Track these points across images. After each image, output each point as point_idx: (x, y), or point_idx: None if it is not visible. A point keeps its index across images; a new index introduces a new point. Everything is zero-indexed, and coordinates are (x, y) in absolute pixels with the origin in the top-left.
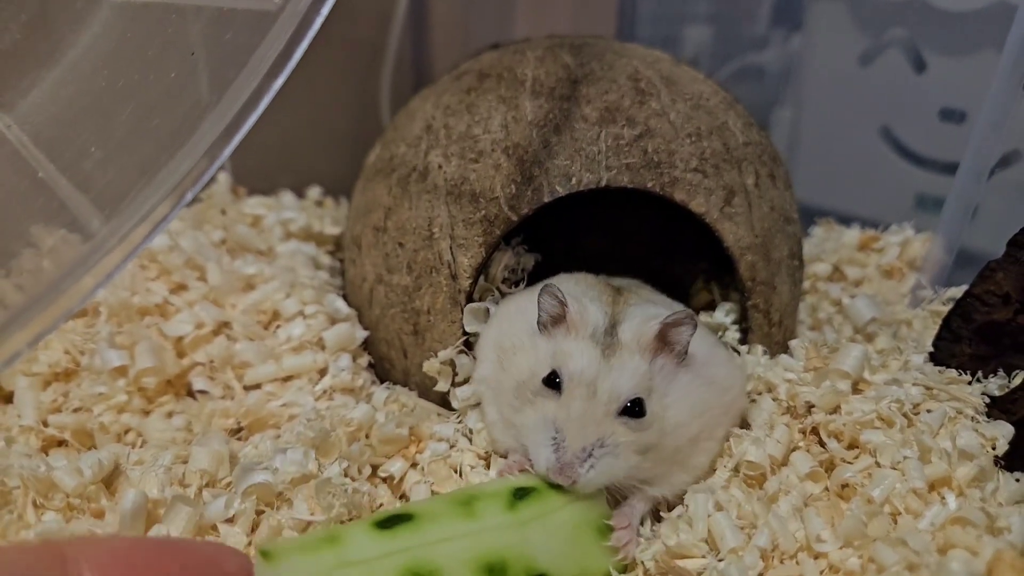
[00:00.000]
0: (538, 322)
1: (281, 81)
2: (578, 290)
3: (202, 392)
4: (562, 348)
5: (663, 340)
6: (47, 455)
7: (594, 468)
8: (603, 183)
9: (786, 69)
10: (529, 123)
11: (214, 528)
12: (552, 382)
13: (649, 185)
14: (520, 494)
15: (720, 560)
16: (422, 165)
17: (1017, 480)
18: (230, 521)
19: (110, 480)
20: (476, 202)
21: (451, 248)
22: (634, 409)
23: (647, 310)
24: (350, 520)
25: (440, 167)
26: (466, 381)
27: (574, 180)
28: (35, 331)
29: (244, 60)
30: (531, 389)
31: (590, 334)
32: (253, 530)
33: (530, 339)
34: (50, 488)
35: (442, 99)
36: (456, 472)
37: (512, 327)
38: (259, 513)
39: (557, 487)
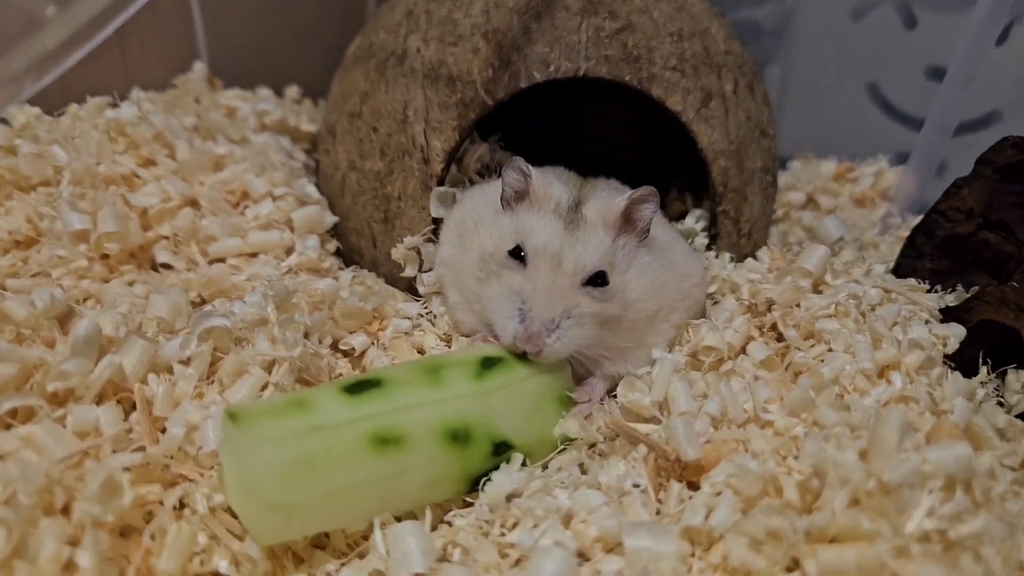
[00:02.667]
0: (502, 197)
1: None
2: (546, 175)
3: (166, 266)
4: (525, 222)
5: (627, 218)
6: None
7: (560, 340)
8: (581, 72)
9: (780, 26)
10: (511, 9)
11: (169, 370)
12: (517, 254)
13: (627, 79)
14: (487, 363)
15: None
16: (400, 49)
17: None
18: (185, 363)
19: (64, 321)
20: (452, 85)
21: (425, 132)
22: (597, 280)
23: (612, 193)
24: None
25: (419, 51)
26: (431, 269)
27: (552, 67)
28: None
29: None
30: (496, 261)
31: (553, 208)
32: (211, 376)
33: (493, 216)
34: (1, 319)
35: None
36: (418, 352)
37: (475, 207)
38: (216, 361)
39: (523, 358)
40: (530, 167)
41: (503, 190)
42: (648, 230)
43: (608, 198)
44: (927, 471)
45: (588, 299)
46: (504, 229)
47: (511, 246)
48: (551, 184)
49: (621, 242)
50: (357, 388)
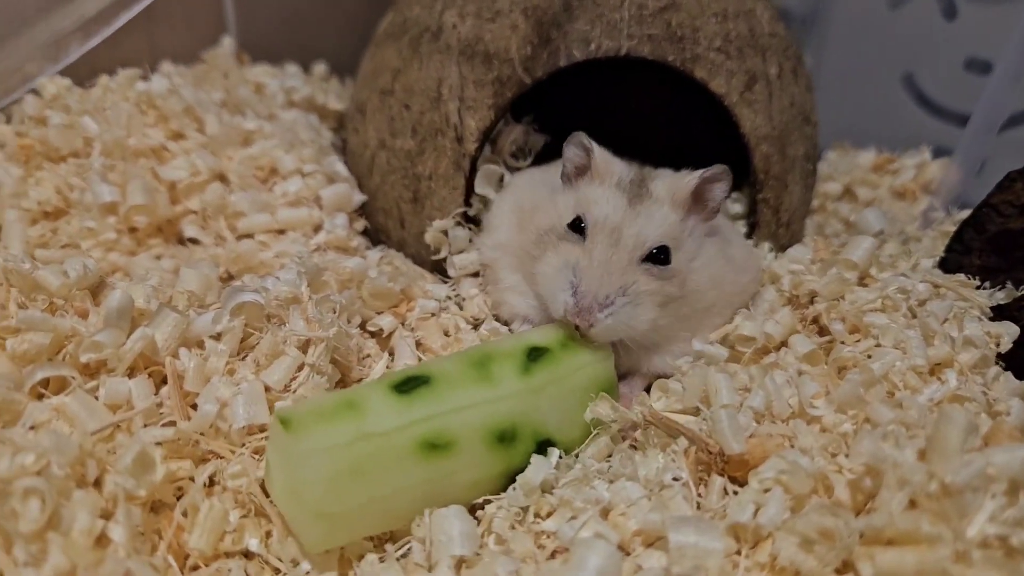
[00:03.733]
0: (562, 173)
1: None
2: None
3: (193, 241)
4: (586, 195)
5: (698, 197)
6: None
7: (613, 316)
8: (623, 52)
9: (812, 13)
10: None
11: (200, 345)
12: (577, 227)
13: (670, 59)
14: (534, 355)
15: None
16: (436, 25)
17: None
18: (216, 337)
19: (96, 292)
20: (489, 63)
21: (459, 110)
22: (659, 256)
23: (677, 173)
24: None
25: (454, 26)
26: (461, 252)
27: (593, 46)
28: None
29: None
30: (556, 234)
31: (615, 183)
32: (241, 351)
33: (550, 197)
34: (34, 288)
35: None
36: (445, 334)
37: (532, 191)
38: (247, 337)
39: (570, 345)
40: (592, 141)
41: (564, 165)
42: (717, 211)
43: (677, 176)
44: (991, 474)
45: (647, 276)
46: (562, 205)
47: (571, 218)
48: (612, 159)
49: (690, 223)
50: (406, 386)
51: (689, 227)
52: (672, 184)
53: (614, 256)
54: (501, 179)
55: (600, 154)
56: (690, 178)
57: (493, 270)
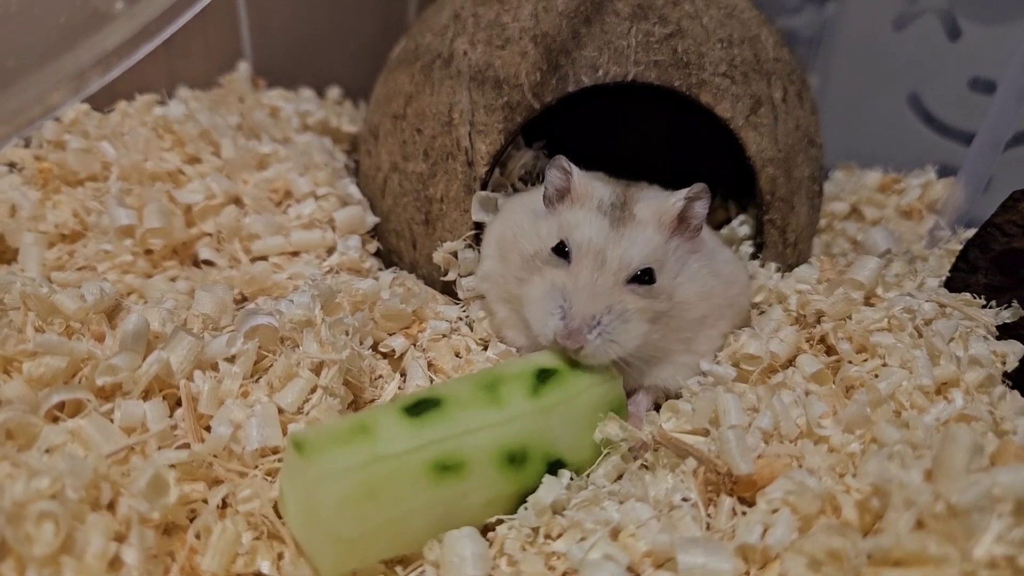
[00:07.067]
0: (544, 196)
1: None
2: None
3: (208, 263)
4: (568, 219)
5: (682, 218)
6: None
7: (602, 335)
8: (630, 77)
9: (817, 35)
10: (560, 13)
11: (214, 367)
12: (561, 251)
13: (676, 84)
14: (543, 376)
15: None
16: (447, 52)
17: None
18: (231, 360)
19: (112, 315)
20: (499, 88)
21: (470, 134)
22: (643, 277)
23: (662, 194)
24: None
25: (465, 53)
26: (470, 274)
27: (600, 72)
28: None
29: None
30: (540, 259)
31: (596, 206)
32: (255, 374)
33: (532, 222)
34: (51, 311)
35: None
36: (456, 355)
37: (513, 218)
38: (261, 359)
39: (577, 366)
40: (572, 165)
41: (545, 188)
42: (700, 228)
43: (661, 198)
44: (997, 494)
45: (633, 296)
46: (545, 230)
47: (555, 243)
48: (593, 182)
49: (674, 244)
50: (417, 409)
51: (673, 247)
52: (657, 207)
53: (599, 279)
54: (496, 205)
55: (579, 177)
56: (675, 200)
57: (487, 301)
